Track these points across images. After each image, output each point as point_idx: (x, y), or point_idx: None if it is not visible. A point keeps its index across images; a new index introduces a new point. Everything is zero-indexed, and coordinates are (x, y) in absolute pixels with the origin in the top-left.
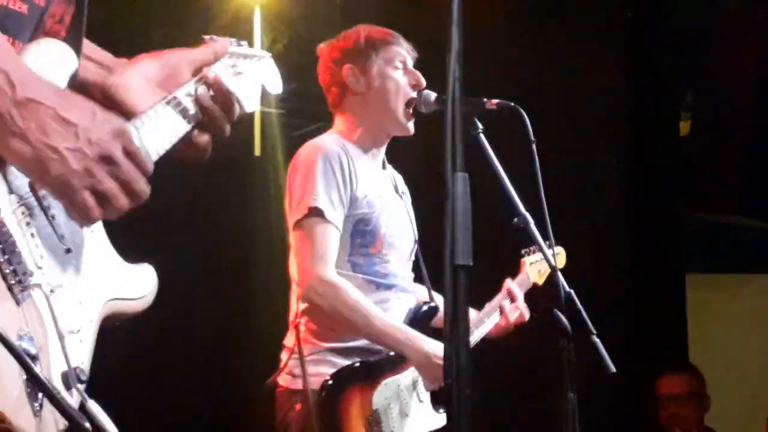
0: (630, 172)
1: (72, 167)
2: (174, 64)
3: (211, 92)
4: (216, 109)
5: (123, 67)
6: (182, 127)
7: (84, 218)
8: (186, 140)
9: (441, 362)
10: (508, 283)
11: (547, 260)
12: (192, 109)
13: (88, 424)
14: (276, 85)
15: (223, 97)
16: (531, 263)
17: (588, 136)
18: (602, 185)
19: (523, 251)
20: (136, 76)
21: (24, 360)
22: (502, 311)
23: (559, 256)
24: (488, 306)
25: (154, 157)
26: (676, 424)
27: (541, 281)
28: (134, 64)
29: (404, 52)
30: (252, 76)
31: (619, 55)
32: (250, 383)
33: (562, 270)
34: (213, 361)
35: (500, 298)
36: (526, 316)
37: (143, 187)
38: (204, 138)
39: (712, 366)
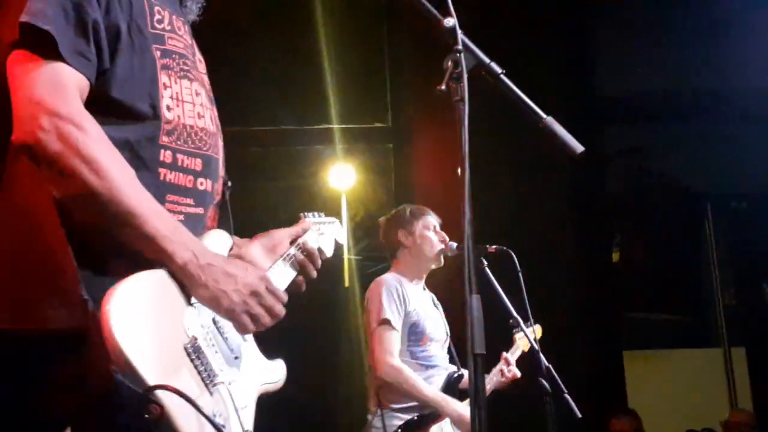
0: (582, 287)
1: (235, 301)
2: (279, 237)
3: (304, 253)
4: (306, 262)
5: (247, 242)
6: (291, 275)
7: (244, 331)
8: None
9: (468, 419)
10: (504, 354)
11: (529, 341)
12: (295, 263)
13: None
14: (342, 238)
15: (310, 254)
16: (519, 338)
17: (554, 267)
18: (565, 297)
19: (514, 330)
20: (257, 248)
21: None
22: (502, 373)
23: (538, 329)
24: (494, 370)
25: None
26: None
27: (527, 349)
28: (254, 240)
29: (433, 220)
30: (329, 234)
31: (571, 211)
32: None
33: (543, 349)
34: (320, 421)
35: (500, 366)
36: (518, 374)
37: (280, 309)
38: (300, 278)
39: (644, 412)
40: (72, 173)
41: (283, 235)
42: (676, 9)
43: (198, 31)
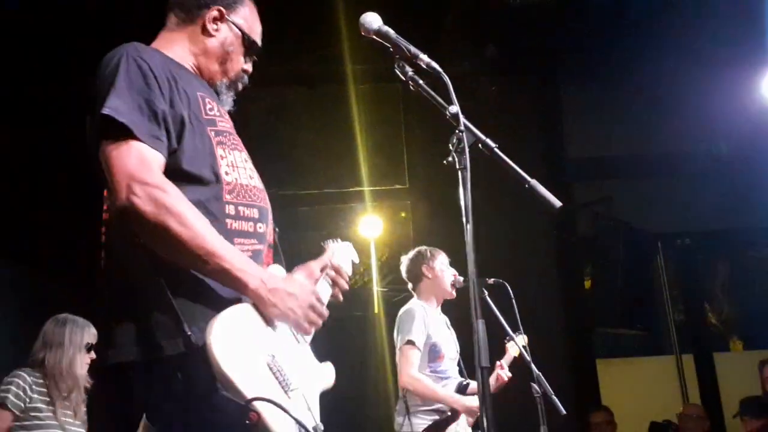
0: (561, 308)
1: (298, 314)
2: (313, 266)
3: (334, 272)
4: (337, 276)
5: (293, 272)
6: (329, 289)
7: (306, 333)
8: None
9: (475, 408)
10: (499, 362)
11: (519, 348)
12: (330, 280)
13: None
14: (355, 257)
15: (337, 269)
16: (510, 346)
17: (539, 293)
18: (548, 317)
19: (506, 341)
20: (300, 275)
21: (302, 425)
22: (498, 377)
23: (525, 338)
24: (491, 378)
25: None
26: None
27: (517, 355)
28: (298, 270)
29: (446, 259)
30: (346, 255)
31: (552, 250)
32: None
33: (533, 360)
34: (354, 420)
35: (495, 372)
36: (510, 375)
37: (326, 314)
38: (336, 290)
39: (615, 407)
40: (164, 226)
41: (315, 264)
42: (621, 93)
43: (262, 117)
